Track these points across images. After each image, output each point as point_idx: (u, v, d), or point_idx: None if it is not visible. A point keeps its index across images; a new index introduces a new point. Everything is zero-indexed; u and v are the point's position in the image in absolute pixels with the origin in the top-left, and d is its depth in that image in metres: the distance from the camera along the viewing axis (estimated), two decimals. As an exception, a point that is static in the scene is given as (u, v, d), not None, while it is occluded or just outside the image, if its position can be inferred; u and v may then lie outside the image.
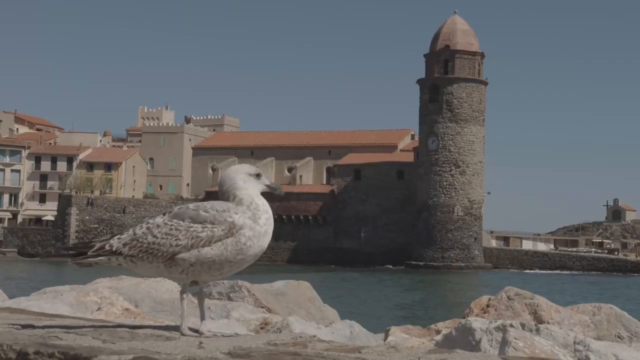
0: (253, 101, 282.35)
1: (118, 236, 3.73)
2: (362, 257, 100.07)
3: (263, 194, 3.78)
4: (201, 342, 3.36)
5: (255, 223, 3.63)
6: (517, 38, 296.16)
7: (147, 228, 3.67)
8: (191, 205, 3.73)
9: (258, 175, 3.78)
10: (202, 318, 3.74)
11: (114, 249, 3.67)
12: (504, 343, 5.32)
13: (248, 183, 3.73)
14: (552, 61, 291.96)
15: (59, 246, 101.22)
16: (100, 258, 3.69)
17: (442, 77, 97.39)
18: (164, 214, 3.73)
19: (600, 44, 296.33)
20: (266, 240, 3.68)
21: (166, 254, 3.61)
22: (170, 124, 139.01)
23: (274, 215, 3.72)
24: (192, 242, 3.58)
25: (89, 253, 3.69)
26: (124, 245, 3.67)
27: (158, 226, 3.66)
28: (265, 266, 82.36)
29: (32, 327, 3.77)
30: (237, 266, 3.65)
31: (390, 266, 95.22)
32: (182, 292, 3.70)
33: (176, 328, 3.74)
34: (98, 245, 3.71)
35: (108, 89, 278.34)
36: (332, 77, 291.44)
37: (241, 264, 3.65)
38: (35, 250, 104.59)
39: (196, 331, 3.67)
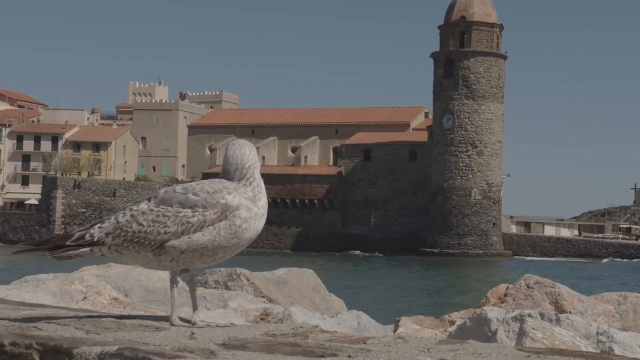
0: (254, 76, 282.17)
1: (99, 224, 3.69)
2: (371, 244, 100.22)
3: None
4: (193, 333, 3.36)
5: (254, 204, 3.63)
6: (538, 8, 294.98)
7: (132, 215, 3.64)
8: (178, 188, 3.70)
9: None
10: (195, 307, 3.75)
11: (95, 238, 3.65)
12: (521, 334, 5.32)
13: None
14: (576, 33, 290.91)
15: (42, 234, 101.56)
16: (81, 250, 3.66)
17: (457, 51, 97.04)
18: (149, 200, 3.69)
19: (630, 14, 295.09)
20: (261, 223, 3.68)
21: (154, 243, 3.59)
22: (163, 101, 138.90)
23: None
24: (183, 229, 3.57)
25: (67, 243, 3.65)
26: (107, 234, 3.64)
27: (143, 213, 3.63)
28: (268, 253, 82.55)
29: (10, 317, 3.77)
30: (231, 251, 3.65)
31: (402, 253, 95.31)
32: (171, 281, 3.70)
33: (166, 318, 3.75)
34: (77, 234, 3.68)
35: (96, 62, 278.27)
36: (340, 50, 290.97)
37: (235, 249, 3.65)
38: (17, 237, 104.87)
39: (188, 321, 3.68)
